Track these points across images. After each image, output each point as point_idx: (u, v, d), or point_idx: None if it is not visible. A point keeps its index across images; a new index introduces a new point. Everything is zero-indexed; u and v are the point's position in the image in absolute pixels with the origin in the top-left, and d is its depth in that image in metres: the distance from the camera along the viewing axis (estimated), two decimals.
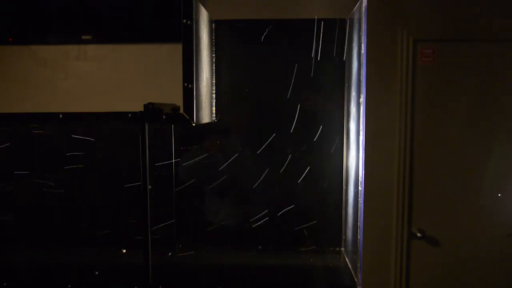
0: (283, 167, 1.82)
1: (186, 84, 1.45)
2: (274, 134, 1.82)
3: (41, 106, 1.57)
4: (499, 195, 1.43)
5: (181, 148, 1.85)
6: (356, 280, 1.54)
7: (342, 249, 1.85)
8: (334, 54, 1.78)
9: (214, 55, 1.81)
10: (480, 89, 1.41)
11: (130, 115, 1.51)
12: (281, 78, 1.80)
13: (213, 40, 1.80)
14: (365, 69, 1.41)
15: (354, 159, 1.61)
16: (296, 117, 1.81)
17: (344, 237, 1.83)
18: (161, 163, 1.83)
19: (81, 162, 1.82)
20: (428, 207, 1.44)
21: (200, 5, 1.57)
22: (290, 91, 1.80)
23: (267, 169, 1.83)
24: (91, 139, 1.82)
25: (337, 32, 1.77)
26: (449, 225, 1.44)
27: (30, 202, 1.87)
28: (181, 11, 1.43)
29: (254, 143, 1.85)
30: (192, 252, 1.85)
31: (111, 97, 1.56)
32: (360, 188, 1.49)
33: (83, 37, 1.57)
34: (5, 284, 1.56)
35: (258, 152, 1.84)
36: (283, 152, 1.83)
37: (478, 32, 1.40)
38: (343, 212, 1.83)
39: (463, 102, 1.41)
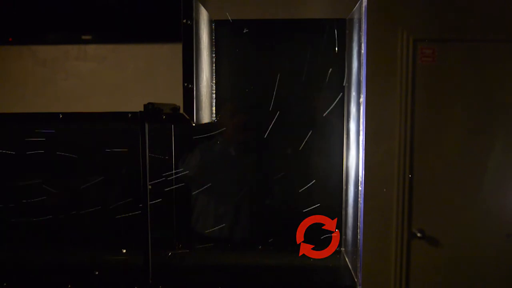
0: (283, 167, 1.82)
1: (186, 84, 1.45)
2: (274, 134, 1.82)
3: (41, 106, 1.57)
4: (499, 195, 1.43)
5: (181, 147, 1.85)
6: (356, 280, 1.54)
7: (342, 249, 1.85)
8: (334, 54, 1.78)
9: (214, 55, 1.81)
10: (480, 89, 1.40)
11: (130, 115, 1.50)
12: (281, 78, 1.80)
13: (213, 40, 1.80)
14: (365, 69, 1.41)
15: (354, 159, 1.61)
16: (296, 117, 1.81)
17: (344, 237, 1.83)
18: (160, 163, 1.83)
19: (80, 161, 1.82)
20: (428, 207, 1.44)
21: (200, 5, 1.57)
22: (289, 91, 1.79)
23: (267, 169, 1.83)
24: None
25: (337, 32, 1.77)
26: (449, 225, 1.44)
27: (29, 202, 1.87)
28: (181, 11, 1.43)
29: (253, 143, 1.85)
30: (192, 252, 1.85)
31: (111, 97, 1.56)
32: (360, 188, 1.49)
33: (83, 37, 1.57)
34: (5, 284, 1.56)
35: (257, 152, 1.84)
36: (283, 152, 1.83)
37: (478, 32, 1.39)
38: (343, 212, 1.83)
39: (464, 102, 1.41)
